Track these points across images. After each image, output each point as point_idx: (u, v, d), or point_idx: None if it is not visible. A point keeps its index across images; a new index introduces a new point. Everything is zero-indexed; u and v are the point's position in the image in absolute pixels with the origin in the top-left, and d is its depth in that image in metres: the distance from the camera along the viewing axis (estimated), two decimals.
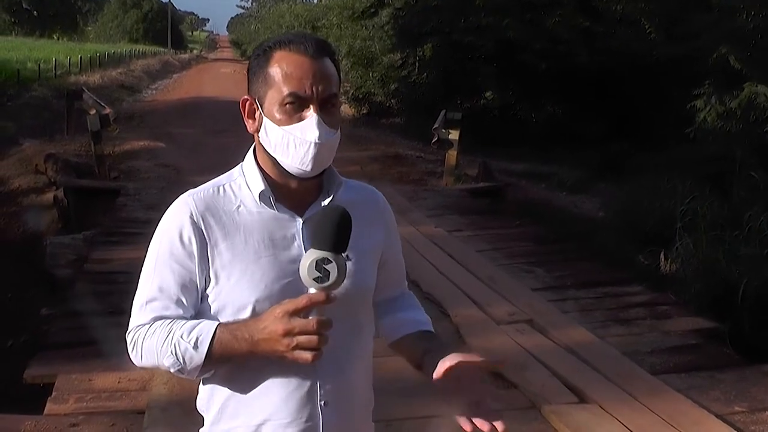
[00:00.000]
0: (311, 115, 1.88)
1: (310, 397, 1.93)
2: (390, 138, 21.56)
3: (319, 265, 1.74)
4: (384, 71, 28.26)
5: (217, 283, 1.93)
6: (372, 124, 26.62)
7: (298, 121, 1.88)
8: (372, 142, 19.34)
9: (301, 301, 1.75)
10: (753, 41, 14.06)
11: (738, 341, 6.49)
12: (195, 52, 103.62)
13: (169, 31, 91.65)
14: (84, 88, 15.95)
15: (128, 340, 1.98)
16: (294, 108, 1.89)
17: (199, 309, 1.95)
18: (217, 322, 1.88)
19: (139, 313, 1.97)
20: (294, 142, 1.89)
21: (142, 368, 2.09)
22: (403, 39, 26.05)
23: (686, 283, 8.08)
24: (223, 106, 25.01)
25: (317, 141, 1.87)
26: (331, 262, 1.73)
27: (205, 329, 1.87)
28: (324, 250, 1.75)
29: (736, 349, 6.29)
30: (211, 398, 2.01)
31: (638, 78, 21.22)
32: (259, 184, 1.96)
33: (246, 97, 1.99)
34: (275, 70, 1.90)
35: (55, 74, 33.26)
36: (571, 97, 23.22)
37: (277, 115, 1.90)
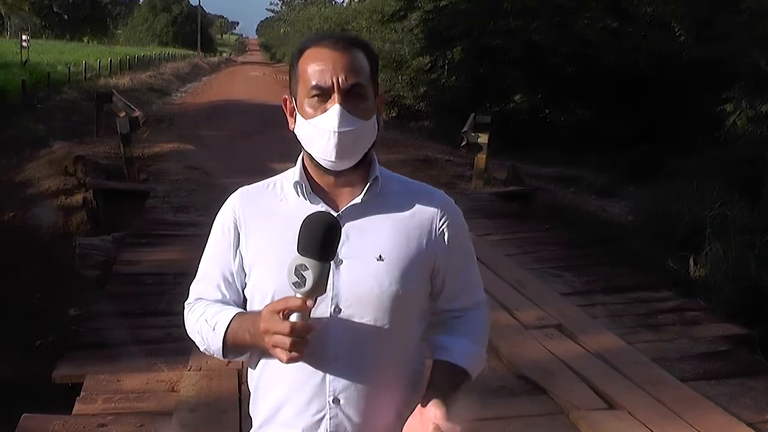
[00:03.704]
0: (333, 105, 1.90)
1: (319, 390, 1.94)
2: (419, 141, 21.50)
3: (298, 270, 1.75)
4: (413, 74, 28.27)
5: (250, 272, 2.02)
6: (401, 127, 26.57)
7: (322, 113, 1.91)
8: (401, 145, 19.30)
9: (279, 304, 1.79)
10: None
11: None
12: (224, 55, 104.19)
13: (199, 34, 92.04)
14: (114, 91, 16.03)
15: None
16: (319, 100, 1.92)
17: (243, 297, 2.05)
18: (237, 311, 1.98)
19: (190, 292, 2.13)
20: (317, 134, 1.92)
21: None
22: (432, 42, 26.04)
23: (716, 289, 7.99)
24: (253, 109, 25.11)
25: (335, 129, 1.89)
26: (308, 269, 1.74)
27: (225, 316, 1.97)
28: (305, 256, 1.75)
29: None
30: (251, 379, 2.08)
31: (667, 80, 21.01)
32: (295, 177, 2.01)
33: (285, 96, 2.04)
34: (303, 66, 1.94)
35: (85, 77, 33.50)
36: (600, 100, 23.06)
37: (306, 109, 1.94)
